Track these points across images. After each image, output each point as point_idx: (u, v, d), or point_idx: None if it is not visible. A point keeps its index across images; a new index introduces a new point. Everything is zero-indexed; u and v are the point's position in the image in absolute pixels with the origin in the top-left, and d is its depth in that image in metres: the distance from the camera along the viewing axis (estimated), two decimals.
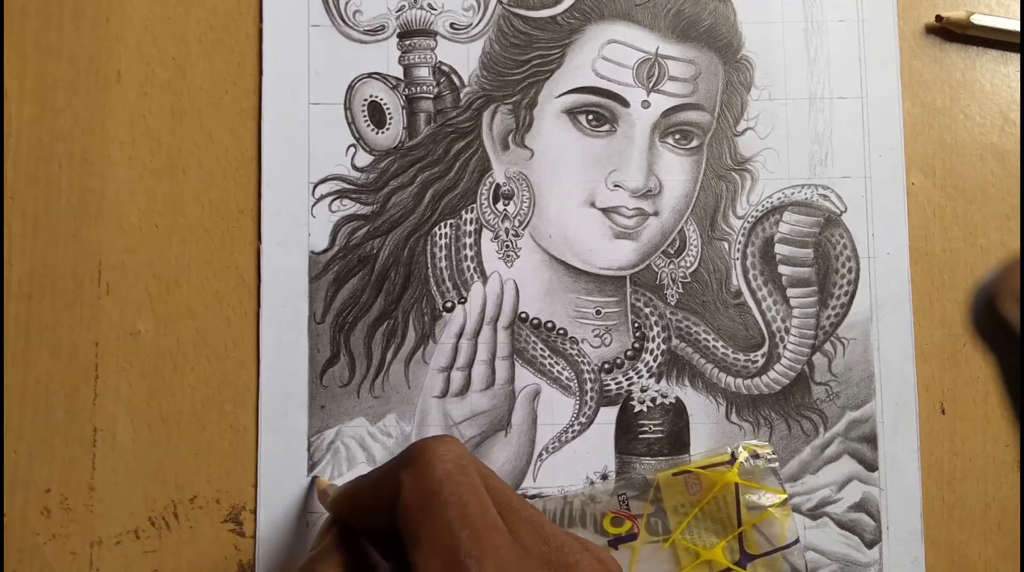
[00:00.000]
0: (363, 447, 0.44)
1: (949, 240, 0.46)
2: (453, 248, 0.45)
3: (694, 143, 0.46)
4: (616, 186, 0.46)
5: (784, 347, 0.46)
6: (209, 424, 0.44)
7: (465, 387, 0.45)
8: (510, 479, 0.45)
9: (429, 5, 0.47)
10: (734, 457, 0.44)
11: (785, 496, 0.44)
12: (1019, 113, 0.47)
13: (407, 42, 0.46)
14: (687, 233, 0.46)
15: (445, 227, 0.46)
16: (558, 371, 0.45)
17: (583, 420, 0.45)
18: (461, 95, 0.46)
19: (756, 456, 0.44)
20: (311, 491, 0.44)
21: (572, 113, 0.46)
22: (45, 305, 0.44)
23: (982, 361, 0.46)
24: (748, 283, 0.46)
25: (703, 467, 0.44)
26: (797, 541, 0.44)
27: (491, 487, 0.34)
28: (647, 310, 0.46)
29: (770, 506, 0.43)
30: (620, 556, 0.43)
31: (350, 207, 0.45)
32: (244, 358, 0.44)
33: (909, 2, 0.48)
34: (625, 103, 0.46)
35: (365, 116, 0.46)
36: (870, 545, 0.45)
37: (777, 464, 0.44)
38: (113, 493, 0.43)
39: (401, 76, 0.46)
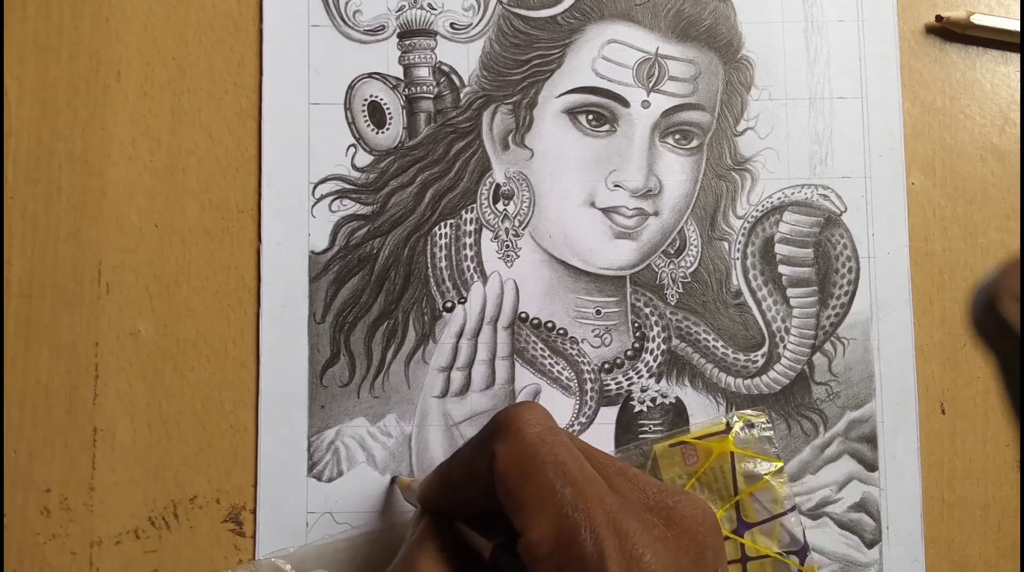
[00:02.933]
0: (363, 447, 0.44)
1: (949, 240, 0.46)
2: (453, 248, 0.45)
3: (694, 143, 0.46)
4: (616, 186, 0.46)
5: (784, 347, 0.46)
6: (209, 424, 0.44)
7: (465, 387, 0.45)
8: None
9: (429, 5, 0.47)
10: (729, 426, 0.44)
11: (780, 464, 0.44)
12: (1019, 113, 0.47)
13: (407, 42, 0.46)
14: (687, 233, 0.46)
15: (445, 227, 0.46)
16: (558, 371, 0.45)
17: (583, 420, 0.45)
18: (461, 95, 0.46)
19: (751, 425, 0.44)
20: (392, 490, 0.44)
21: (572, 113, 0.46)
22: (45, 305, 0.44)
23: (982, 361, 0.46)
24: (748, 283, 0.46)
25: (699, 437, 0.44)
26: (794, 508, 0.44)
27: (579, 446, 0.35)
28: (647, 310, 0.46)
29: (766, 474, 0.43)
30: None
31: (350, 207, 0.45)
32: (244, 358, 0.44)
33: (909, 2, 0.47)
34: (625, 103, 0.46)
35: (365, 116, 0.46)
36: (870, 545, 0.45)
37: (772, 432, 0.44)
38: (113, 493, 0.43)
39: (401, 76, 0.46)
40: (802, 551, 0.43)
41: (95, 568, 0.43)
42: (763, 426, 0.44)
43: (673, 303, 0.46)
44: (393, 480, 0.44)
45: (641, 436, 0.45)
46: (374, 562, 0.43)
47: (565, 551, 0.31)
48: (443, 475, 0.37)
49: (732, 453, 0.44)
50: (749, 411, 0.45)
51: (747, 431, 0.44)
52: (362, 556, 0.43)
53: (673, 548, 0.32)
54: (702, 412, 0.45)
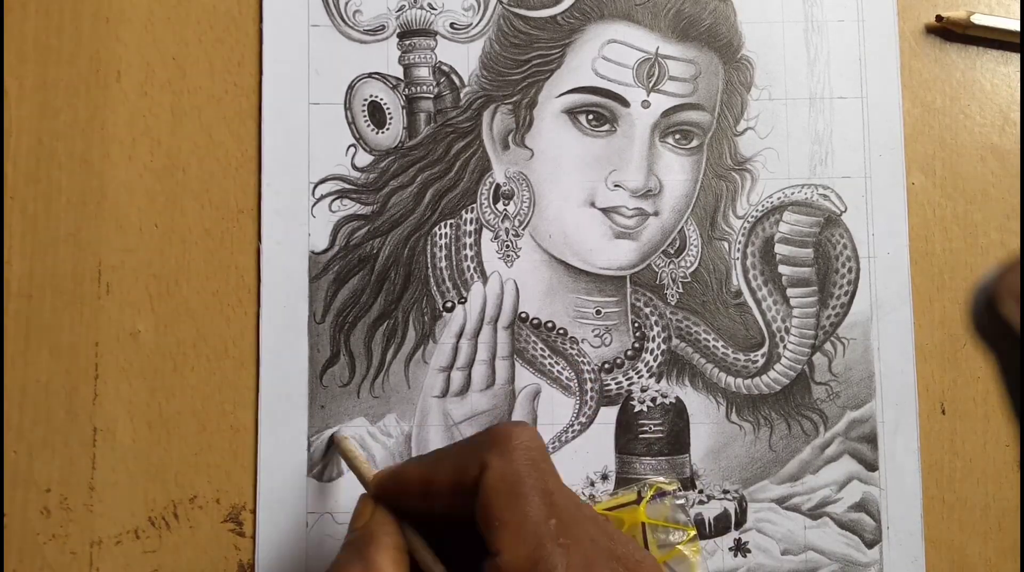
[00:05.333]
0: (363, 447, 0.44)
1: (949, 240, 0.46)
2: (453, 248, 0.45)
3: (694, 143, 0.46)
4: (616, 186, 0.46)
5: (784, 347, 0.46)
6: (209, 424, 0.44)
7: (465, 387, 0.45)
8: None
9: (429, 5, 0.47)
10: (640, 497, 0.44)
11: (693, 532, 0.43)
12: (1019, 113, 0.47)
13: (407, 42, 0.46)
14: (687, 233, 0.46)
15: (445, 227, 0.46)
16: (558, 371, 0.45)
17: (583, 420, 0.45)
18: (461, 95, 0.46)
19: (662, 494, 0.44)
20: (329, 449, 0.43)
21: (572, 113, 0.46)
22: (45, 305, 0.44)
23: (982, 361, 0.46)
24: (748, 283, 0.46)
25: (610, 508, 0.44)
26: None
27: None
28: (647, 310, 0.46)
29: (678, 543, 0.43)
30: None
31: (350, 207, 0.45)
32: (244, 358, 0.44)
33: (909, 2, 0.47)
34: (625, 103, 0.46)
35: (365, 116, 0.46)
36: (870, 545, 0.45)
37: (684, 501, 0.44)
38: (113, 493, 0.43)
39: (401, 76, 0.46)
40: None
41: (95, 568, 0.43)
42: (675, 494, 0.44)
43: (673, 303, 0.46)
44: (332, 438, 0.43)
45: (639, 434, 0.45)
46: None
47: None
48: (420, 475, 0.36)
49: (644, 523, 0.43)
50: (661, 479, 0.44)
51: (659, 500, 0.44)
52: None
53: None
54: (702, 412, 0.45)
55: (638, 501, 0.44)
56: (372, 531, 0.36)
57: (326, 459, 0.44)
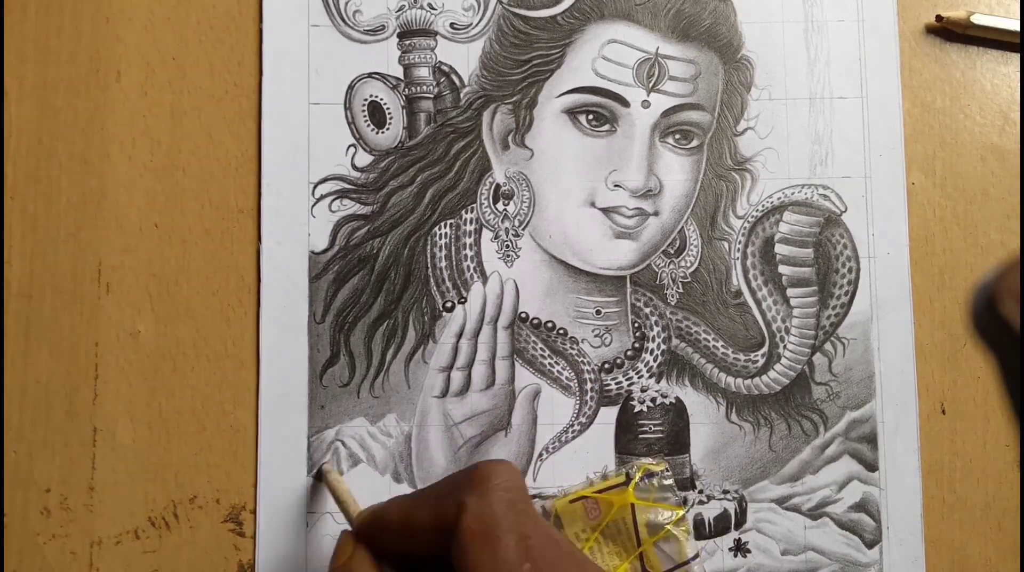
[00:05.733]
0: (363, 447, 0.44)
1: (949, 240, 0.46)
2: (453, 248, 0.45)
3: (694, 143, 0.46)
4: (616, 186, 0.46)
5: (784, 347, 0.46)
6: (209, 424, 0.44)
7: (465, 387, 0.45)
8: None
9: (429, 5, 0.47)
10: (629, 478, 0.44)
11: (682, 512, 0.43)
12: (1019, 113, 0.47)
13: (407, 42, 0.46)
14: (687, 233, 0.46)
15: (445, 227, 0.46)
16: (558, 371, 0.45)
17: (583, 420, 0.45)
18: (461, 95, 0.46)
19: (651, 475, 0.44)
20: (317, 485, 0.43)
21: (572, 113, 0.46)
22: (45, 305, 0.44)
23: (982, 361, 0.46)
24: (748, 283, 0.46)
25: (599, 491, 0.44)
26: (697, 556, 0.43)
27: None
28: (647, 310, 0.46)
29: (667, 523, 0.43)
30: None
31: (350, 207, 0.45)
32: (244, 358, 0.44)
33: (909, 2, 0.47)
34: (625, 103, 0.46)
35: (365, 116, 0.46)
36: (870, 545, 0.45)
37: (672, 481, 0.44)
38: (113, 493, 0.43)
39: (401, 76, 0.46)
40: None
41: (95, 568, 0.43)
42: (663, 475, 0.44)
43: (673, 303, 0.46)
44: (320, 471, 0.43)
45: (639, 434, 0.45)
46: None
47: None
48: (401, 515, 0.36)
49: (632, 504, 0.43)
50: (648, 460, 0.44)
51: (647, 481, 0.44)
52: None
53: None
54: (702, 412, 0.45)
55: (627, 483, 0.44)
56: (351, 570, 0.36)
57: (315, 489, 0.44)
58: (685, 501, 0.44)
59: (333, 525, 0.44)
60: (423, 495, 0.37)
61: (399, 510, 0.37)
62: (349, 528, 0.40)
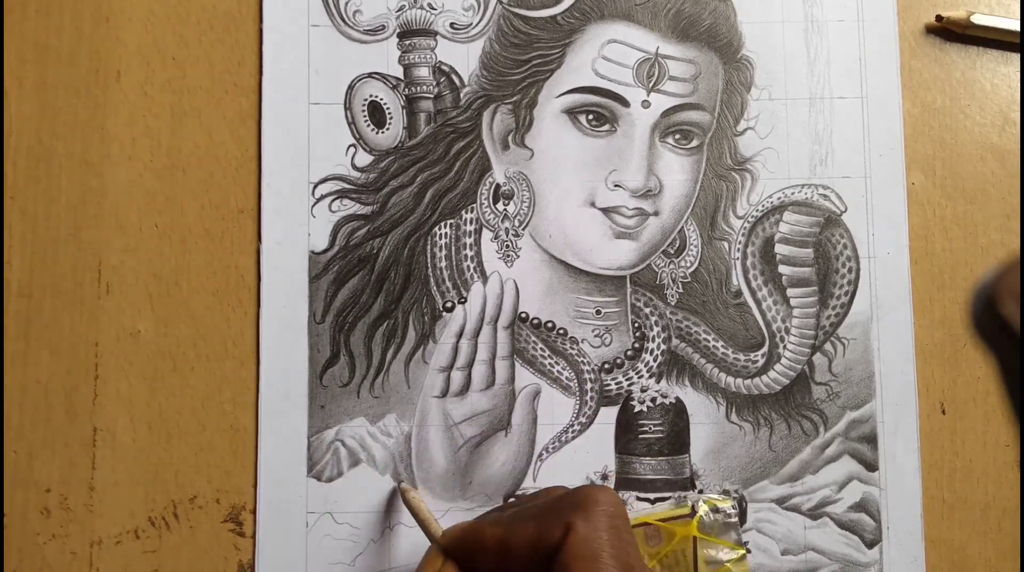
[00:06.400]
0: (363, 447, 0.44)
1: (949, 240, 0.46)
2: (453, 248, 0.45)
3: (694, 143, 0.46)
4: (616, 186, 0.46)
5: (784, 347, 0.46)
6: (209, 424, 0.44)
7: (465, 387, 0.45)
8: (510, 479, 0.45)
9: (429, 5, 0.47)
10: (694, 511, 0.44)
11: (743, 552, 0.44)
12: (1019, 113, 0.47)
13: (407, 42, 0.46)
14: (687, 233, 0.46)
15: (445, 227, 0.46)
16: (558, 371, 0.45)
17: (583, 420, 0.45)
18: (461, 95, 0.46)
19: (716, 510, 0.44)
20: (394, 498, 0.44)
21: (572, 113, 0.46)
22: (45, 305, 0.44)
23: (982, 361, 0.46)
24: (748, 283, 0.46)
25: (663, 519, 0.44)
26: None
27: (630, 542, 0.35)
28: (647, 310, 0.46)
29: (727, 561, 0.43)
30: None
31: (350, 207, 0.45)
32: (244, 358, 0.44)
33: (909, 2, 0.47)
34: (625, 103, 0.46)
35: (365, 116, 0.46)
36: (870, 545, 0.45)
37: (736, 519, 0.44)
38: (113, 493, 0.43)
39: (401, 76, 0.46)
40: None
41: (95, 568, 0.43)
42: (728, 512, 0.44)
43: (673, 303, 0.46)
44: (398, 489, 0.44)
45: (639, 434, 0.45)
46: None
47: None
48: (498, 535, 0.36)
49: (695, 538, 0.43)
50: (715, 496, 0.44)
51: (712, 516, 0.44)
52: None
53: None
54: (702, 412, 0.45)
55: (691, 515, 0.44)
56: None
57: (390, 503, 0.44)
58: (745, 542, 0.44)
59: (333, 525, 0.44)
60: (523, 515, 0.36)
61: (495, 530, 0.36)
62: (432, 544, 0.40)
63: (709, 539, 0.43)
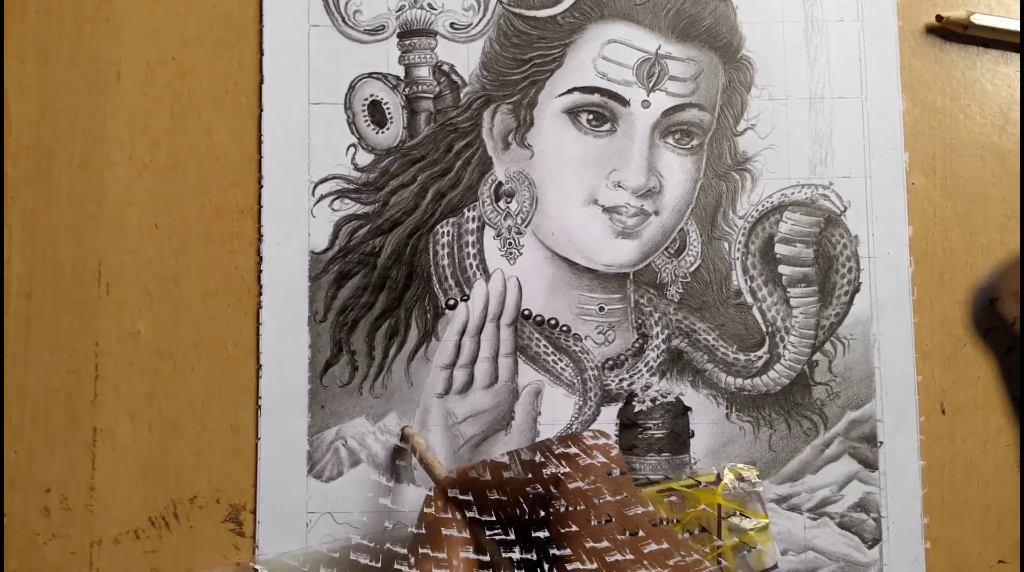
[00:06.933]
0: (363, 446, 0.44)
1: (949, 240, 0.46)
2: (455, 245, 0.45)
3: (694, 142, 0.46)
4: (617, 185, 0.46)
5: (784, 347, 0.46)
6: (209, 424, 0.44)
7: (468, 385, 0.45)
8: None
9: (429, 5, 0.47)
10: (719, 478, 0.44)
11: (767, 521, 0.44)
12: (1019, 113, 0.47)
13: (407, 42, 0.46)
14: (688, 232, 0.46)
15: (447, 225, 0.46)
16: (561, 368, 0.45)
17: (584, 419, 0.45)
18: (461, 95, 0.46)
19: (741, 479, 0.44)
20: (393, 455, 0.44)
21: (572, 112, 0.46)
22: (45, 305, 0.44)
23: (982, 361, 0.46)
24: (748, 283, 0.46)
25: (688, 485, 0.44)
26: (775, 567, 0.43)
27: (629, 491, 0.36)
28: (649, 308, 0.46)
29: (751, 529, 0.43)
30: None
31: (351, 206, 0.45)
32: (244, 358, 0.44)
33: (909, 2, 0.48)
34: (625, 102, 0.46)
35: (365, 116, 0.46)
36: (870, 545, 0.45)
37: (762, 488, 0.44)
38: (113, 493, 0.43)
39: (401, 76, 0.46)
40: None
41: (95, 568, 0.43)
42: (753, 481, 0.44)
43: (675, 302, 0.46)
44: (403, 433, 0.44)
45: (640, 433, 0.45)
46: None
47: None
48: (496, 475, 0.37)
49: (719, 505, 0.43)
50: (741, 465, 0.45)
51: (737, 484, 0.44)
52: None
53: None
54: (703, 411, 0.45)
55: (716, 482, 0.44)
56: (442, 522, 0.37)
57: (395, 453, 0.44)
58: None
59: (333, 525, 0.44)
60: (519, 457, 0.37)
61: (494, 470, 0.37)
62: (435, 485, 0.40)
63: (733, 506, 0.43)
